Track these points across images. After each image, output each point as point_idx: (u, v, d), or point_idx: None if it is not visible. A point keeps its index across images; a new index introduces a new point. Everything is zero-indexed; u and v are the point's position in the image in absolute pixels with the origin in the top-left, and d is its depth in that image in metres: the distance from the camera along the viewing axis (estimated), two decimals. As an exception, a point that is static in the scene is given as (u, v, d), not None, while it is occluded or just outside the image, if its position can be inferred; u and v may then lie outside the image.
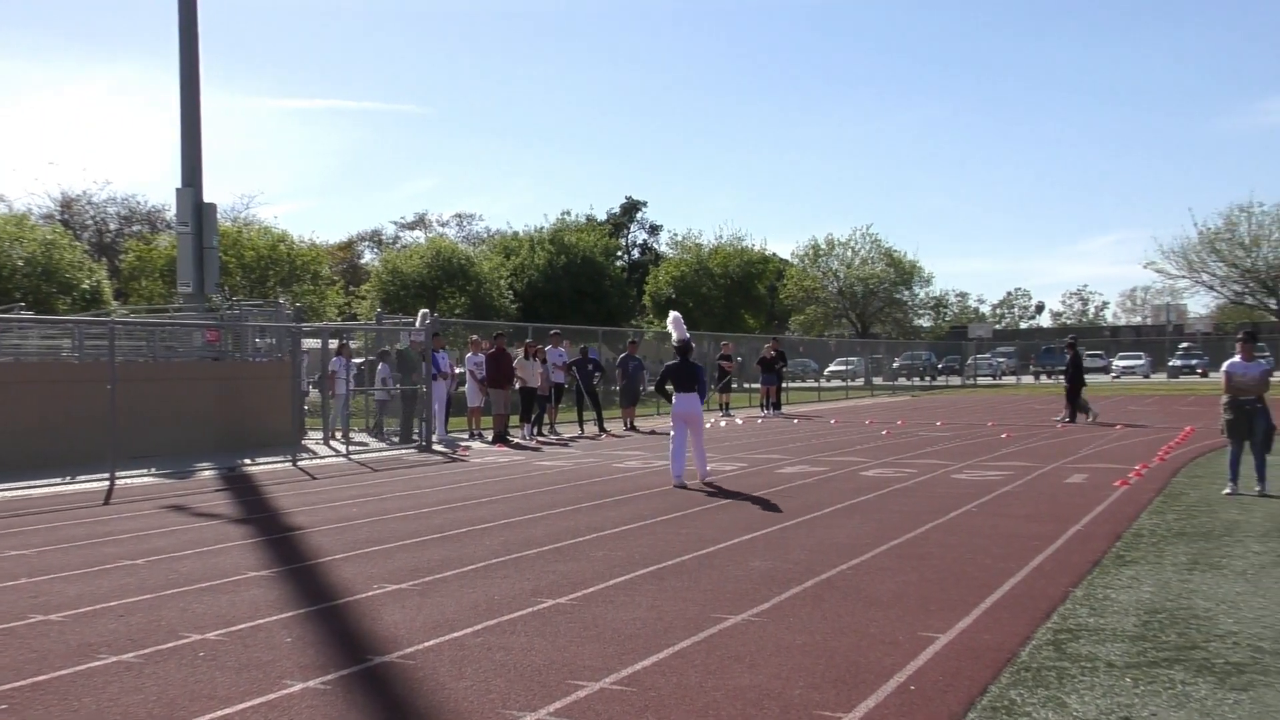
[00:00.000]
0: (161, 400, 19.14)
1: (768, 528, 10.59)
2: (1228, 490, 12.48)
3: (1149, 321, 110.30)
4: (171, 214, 44.29)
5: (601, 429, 25.08)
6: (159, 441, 18.61)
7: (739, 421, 28.72)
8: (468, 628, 6.75)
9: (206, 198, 23.13)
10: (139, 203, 68.03)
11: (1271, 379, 13.04)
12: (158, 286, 40.03)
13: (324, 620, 7.07)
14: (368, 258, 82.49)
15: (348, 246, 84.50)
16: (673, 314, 15.75)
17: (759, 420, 29.67)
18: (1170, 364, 63.29)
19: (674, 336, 15.26)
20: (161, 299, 37.48)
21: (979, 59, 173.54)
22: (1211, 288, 61.37)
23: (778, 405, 32.73)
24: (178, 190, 23.05)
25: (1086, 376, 28.07)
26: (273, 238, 43.33)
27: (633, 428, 26.00)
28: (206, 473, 16.57)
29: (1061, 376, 28.85)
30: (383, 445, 21.55)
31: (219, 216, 24.53)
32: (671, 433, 14.60)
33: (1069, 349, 27.32)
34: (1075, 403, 26.45)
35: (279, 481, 15.42)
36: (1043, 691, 5.35)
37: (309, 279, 43.58)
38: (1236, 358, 12.66)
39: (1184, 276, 61.17)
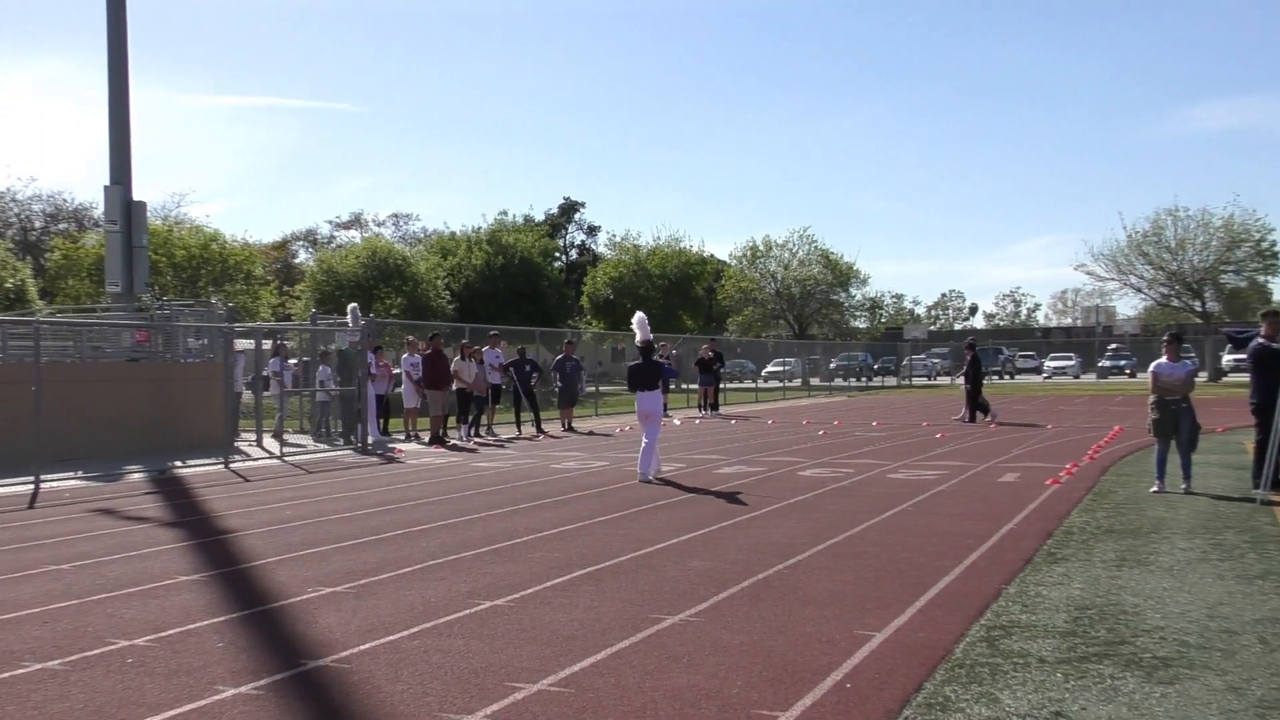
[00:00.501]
0: (89, 402, 18.74)
1: (705, 528, 10.62)
2: (1155, 488, 12.74)
3: (1079, 323, 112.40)
4: (99, 212, 43.45)
5: (539, 430, 25.00)
6: (86, 444, 18.22)
7: (677, 422, 28.76)
8: (404, 630, 6.68)
9: (136, 196, 22.75)
10: (65, 200, 66.73)
11: (1196, 379, 13.32)
12: (85, 286, 39.26)
13: (257, 624, 6.96)
14: (302, 257, 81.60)
15: (282, 246, 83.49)
16: (638, 315, 16.17)
17: (697, 421, 29.74)
18: (1100, 365, 64.47)
19: (638, 337, 15.71)
20: (89, 298, 36.75)
21: (915, 66, 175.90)
22: (1139, 290, 62.56)
23: (715, 406, 32.84)
24: (106, 188, 22.63)
25: (989, 377, 28.94)
26: (204, 237, 42.67)
27: (570, 429, 25.95)
28: (136, 476, 16.26)
29: (962, 378, 29.60)
30: (324, 446, 21.28)
31: (149, 215, 24.15)
32: (645, 433, 15.27)
33: (968, 350, 28.21)
34: (975, 402, 27.17)
35: (211, 484, 15.17)
36: (976, 688, 5.42)
37: (242, 279, 42.98)
38: (1163, 359, 12.93)
39: (1113, 279, 62.29)
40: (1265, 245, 57.52)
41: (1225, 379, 54.30)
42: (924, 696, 5.31)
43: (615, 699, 5.32)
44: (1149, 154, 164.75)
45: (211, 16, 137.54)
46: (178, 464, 17.52)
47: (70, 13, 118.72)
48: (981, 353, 71.95)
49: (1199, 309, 60.67)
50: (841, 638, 6.40)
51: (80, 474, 16.17)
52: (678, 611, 7.09)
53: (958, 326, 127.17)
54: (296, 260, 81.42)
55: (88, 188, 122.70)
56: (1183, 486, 12.65)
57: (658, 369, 15.42)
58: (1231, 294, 61.73)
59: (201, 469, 17.18)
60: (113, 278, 22.57)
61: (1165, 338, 13.26)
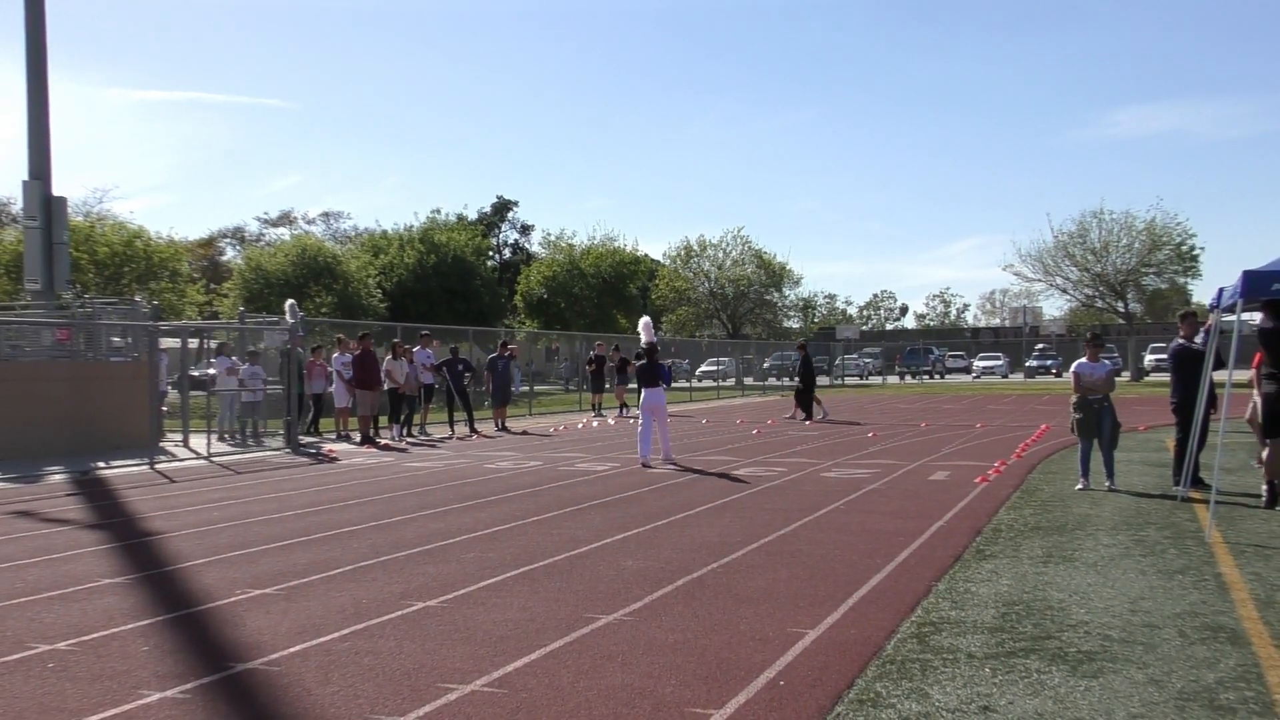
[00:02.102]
0: (8, 402, 18.27)
1: (639, 527, 10.62)
2: (1080, 486, 12.99)
3: (1007, 323, 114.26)
4: (17, 207, 42.38)
5: (472, 430, 24.86)
6: (5, 445, 17.77)
7: (611, 422, 28.77)
8: (335, 632, 6.60)
9: (56, 191, 22.22)
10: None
11: (1118, 379, 13.59)
12: (3, 283, 38.18)
13: (183, 627, 6.83)
14: (230, 255, 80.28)
15: (209, 243, 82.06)
16: (644, 319, 18.25)
17: (631, 420, 29.74)
18: (1027, 364, 65.58)
19: (642, 340, 17.62)
20: (7, 296, 35.77)
21: (845, 70, 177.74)
22: (1065, 291, 63.57)
23: (626, 405, 32.85)
24: (24, 183, 22.08)
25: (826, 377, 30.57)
26: (128, 233, 41.71)
27: (504, 428, 25.83)
28: (56, 477, 15.87)
29: (796, 378, 30.94)
30: (255, 448, 20.95)
31: (70, 211, 23.59)
32: (640, 421, 17.09)
33: (800, 350, 29.22)
34: (807, 402, 28.48)
35: (135, 485, 14.86)
36: (907, 683, 5.48)
37: (167, 276, 42.09)
38: (1083, 359, 13.18)
39: (1040, 280, 63.28)
40: (1185, 248, 58.85)
41: (1147, 378, 55.51)
42: (856, 693, 5.36)
43: (549, 699, 5.30)
44: (1075, 157, 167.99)
45: (130, 10, 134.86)
46: (100, 465, 17.15)
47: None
48: (912, 353, 72.87)
49: (1122, 310, 61.91)
50: (775, 635, 6.44)
51: (-1, 475, 15.76)
52: (611, 611, 7.09)
53: (889, 326, 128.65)
54: (224, 258, 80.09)
55: (6, 182, 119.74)
56: (1106, 484, 12.91)
57: (659, 369, 17.29)
58: (1153, 295, 63.06)
59: (125, 470, 16.83)
60: (32, 275, 22.05)
61: (1087, 338, 13.53)
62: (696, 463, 17.04)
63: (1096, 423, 12.94)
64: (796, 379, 29.58)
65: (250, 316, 26.99)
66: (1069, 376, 13.40)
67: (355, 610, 7.18)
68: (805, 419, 27.80)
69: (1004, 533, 10.07)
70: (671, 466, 16.39)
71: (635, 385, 18.16)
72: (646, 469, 16.16)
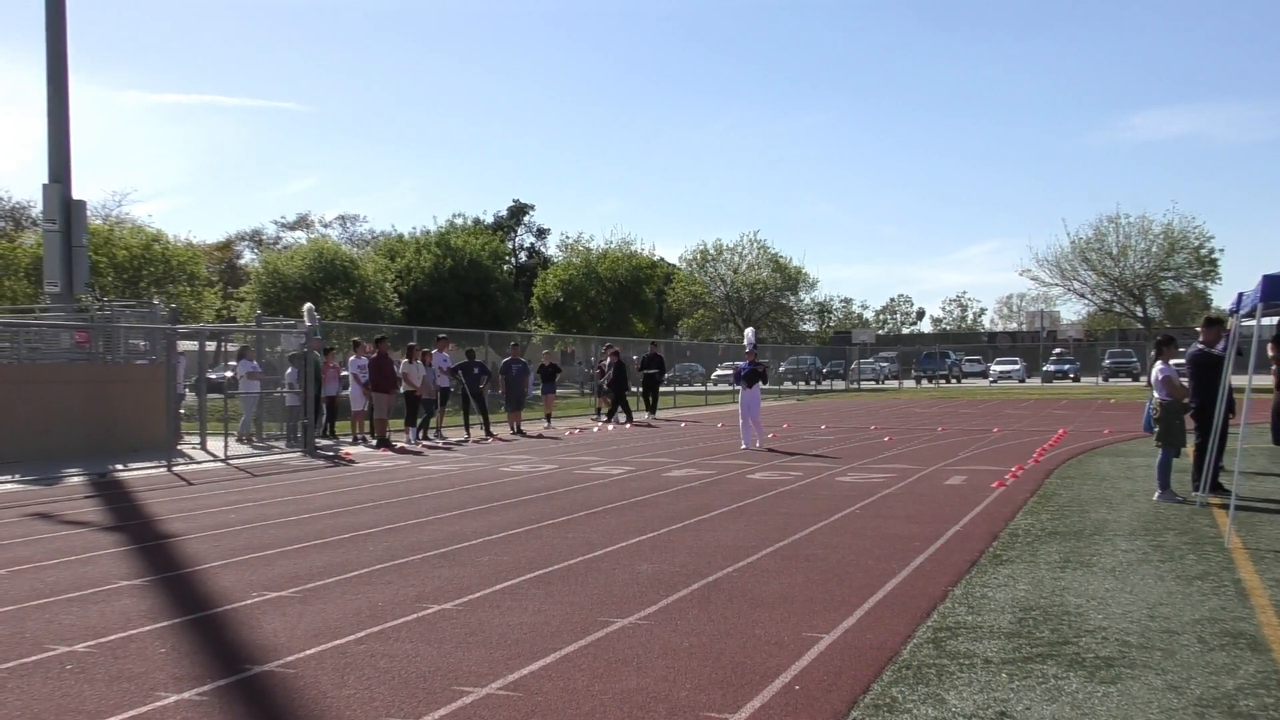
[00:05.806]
0: (27, 404, 18.38)
1: (655, 530, 10.62)
2: (1198, 496, 12.23)
3: (1024, 327, 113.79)
4: (38, 211, 42.66)
5: (488, 433, 24.89)
6: (24, 447, 17.87)
7: (628, 427, 28.76)
8: (350, 635, 6.61)
9: (75, 194, 22.38)
10: (1, 199, 65.38)
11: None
12: (23, 286, 38.42)
13: (200, 629, 6.85)
14: (247, 258, 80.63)
15: (226, 247, 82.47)
16: (749, 329, 22.45)
17: (627, 426, 29.72)
18: (1045, 369, 65.30)
19: (746, 347, 22.42)
20: (27, 299, 35.99)
21: (862, 73, 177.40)
22: (1083, 295, 63.24)
23: (654, 409, 32.90)
24: (44, 186, 22.24)
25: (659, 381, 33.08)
26: (146, 237, 41.94)
27: (519, 432, 25.85)
28: (75, 479, 15.96)
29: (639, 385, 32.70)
30: (287, 449, 21.03)
31: (89, 214, 23.74)
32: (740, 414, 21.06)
33: (614, 356, 30.67)
34: (624, 405, 30.28)
35: (153, 487, 14.93)
36: (923, 689, 5.46)
37: (185, 280, 42.29)
38: (1159, 363, 12.52)
39: (1057, 284, 62.97)
40: (1204, 252, 58.53)
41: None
42: (872, 698, 5.34)
43: (564, 702, 5.30)
44: (1091, 161, 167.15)
45: (148, 13, 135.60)
46: (118, 467, 17.23)
47: (8, 5, 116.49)
48: (928, 358, 72.90)
49: (1140, 314, 61.60)
50: (790, 640, 6.42)
51: (17, 477, 15.83)
52: (626, 614, 7.08)
53: (905, 331, 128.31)
54: (241, 261, 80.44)
55: (26, 185, 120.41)
56: (1180, 495, 12.31)
57: (755, 372, 20.84)
58: (1172, 300, 62.75)
59: (143, 472, 16.91)
60: (51, 278, 22.20)
61: (1157, 340, 12.94)
62: (712, 466, 17.03)
63: (1184, 429, 12.34)
64: (606, 384, 31.16)
65: (267, 320, 27.08)
66: (1158, 382, 12.31)
67: (371, 613, 7.19)
68: (626, 422, 29.54)
69: (1021, 537, 10.02)
70: (765, 450, 19.66)
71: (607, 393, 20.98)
72: (751, 451, 19.62)
